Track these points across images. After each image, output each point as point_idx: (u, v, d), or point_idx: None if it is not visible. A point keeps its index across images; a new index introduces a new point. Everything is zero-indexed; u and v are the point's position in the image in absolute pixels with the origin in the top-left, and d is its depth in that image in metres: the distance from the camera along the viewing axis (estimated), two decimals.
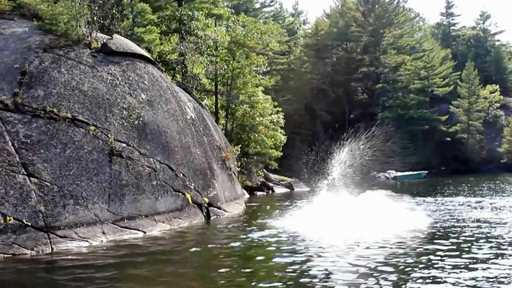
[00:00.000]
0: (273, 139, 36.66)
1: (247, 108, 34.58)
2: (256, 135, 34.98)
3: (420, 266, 10.71)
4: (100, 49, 17.31)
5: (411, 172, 53.04)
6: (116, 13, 20.37)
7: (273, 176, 40.23)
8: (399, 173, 51.77)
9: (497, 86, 76.62)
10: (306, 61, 72.22)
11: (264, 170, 38.73)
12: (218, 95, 34.55)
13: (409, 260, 11.28)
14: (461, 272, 10.08)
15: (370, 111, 68.26)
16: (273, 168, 40.05)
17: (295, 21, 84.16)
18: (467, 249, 12.56)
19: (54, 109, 14.60)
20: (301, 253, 12.27)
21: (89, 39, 17.19)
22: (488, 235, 14.64)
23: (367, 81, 72.04)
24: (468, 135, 70.70)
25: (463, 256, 11.64)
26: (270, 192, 36.37)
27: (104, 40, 17.79)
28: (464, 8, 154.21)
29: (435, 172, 59.93)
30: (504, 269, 10.21)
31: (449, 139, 69.38)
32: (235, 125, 35.46)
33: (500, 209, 21.31)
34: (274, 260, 11.88)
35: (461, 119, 71.81)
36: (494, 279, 9.49)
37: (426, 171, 54.82)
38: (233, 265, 11.45)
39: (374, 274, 9.90)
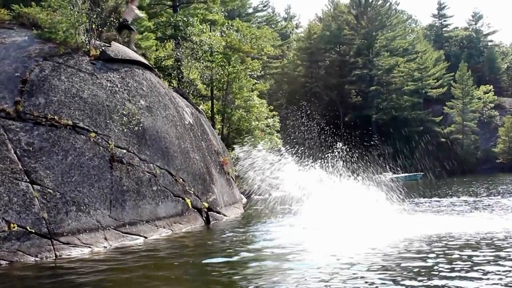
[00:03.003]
0: (269, 143, 36.81)
1: (243, 113, 34.79)
2: (253, 139, 35.14)
3: None
4: (99, 57, 17.41)
5: (406, 174, 53.29)
6: (114, 20, 20.49)
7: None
8: (394, 175, 51.94)
9: (491, 86, 77.21)
10: (300, 65, 72.61)
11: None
12: (214, 100, 34.79)
13: None
14: None
15: (364, 114, 68.54)
16: None
17: (287, 25, 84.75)
18: None
19: (55, 117, 14.68)
20: (306, 261, 11.57)
21: (88, 46, 17.30)
22: None
23: (361, 83, 72.40)
24: (463, 136, 71.10)
25: None
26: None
27: (103, 48, 17.89)
28: (456, 9, 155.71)
29: (430, 173, 60.02)
30: None
31: (443, 140, 69.71)
32: (232, 129, 35.64)
33: None
34: (276, 269, 10.89)
35: (455, 120, 72.22)
36: None
37: (422, 173, 55.05)
38: (233, 278, 10.49)
39: None
